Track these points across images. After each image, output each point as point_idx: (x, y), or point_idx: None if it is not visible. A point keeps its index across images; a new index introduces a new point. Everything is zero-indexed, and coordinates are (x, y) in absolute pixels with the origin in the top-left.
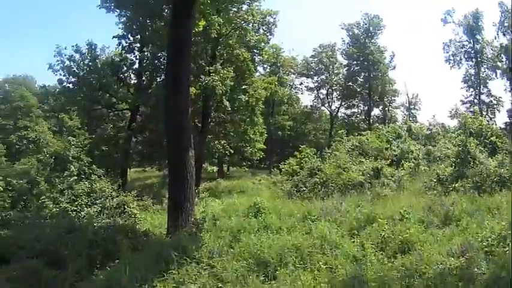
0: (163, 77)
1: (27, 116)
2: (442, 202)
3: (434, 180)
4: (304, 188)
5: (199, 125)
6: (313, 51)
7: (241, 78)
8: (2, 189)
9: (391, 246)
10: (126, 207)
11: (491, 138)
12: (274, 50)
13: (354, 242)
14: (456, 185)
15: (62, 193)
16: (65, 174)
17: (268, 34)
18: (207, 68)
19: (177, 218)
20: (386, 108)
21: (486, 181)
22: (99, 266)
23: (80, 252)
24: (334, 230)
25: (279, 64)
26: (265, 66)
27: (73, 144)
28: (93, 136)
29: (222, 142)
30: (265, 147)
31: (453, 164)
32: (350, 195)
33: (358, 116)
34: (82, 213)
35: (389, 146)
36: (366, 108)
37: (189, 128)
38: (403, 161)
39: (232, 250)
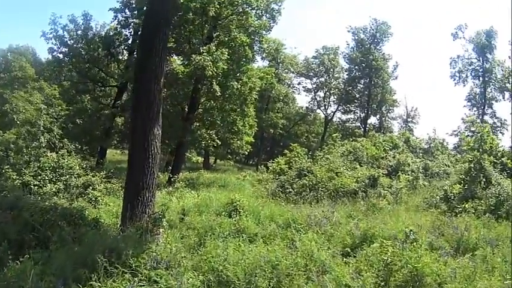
0: None
1: (23, 86)
2: (454, 225)
3: (438, 197)
4: (290, 190)
5: (186, 109)
6: (315, 52)
7: (236, 64)
8: None
9: (398, 277)
10: (91, 188)
11: (502, 159)
12: (276, 44)
13: (348, 265)
14: (466, 205)
15: (28, 165)
16: (33, 144)
17: (271, 21)
18: (201, 48)
19: (132, 209)
20: (383, 118)
21: (503, 205)
22: (24, 256)
23: (8, 236)
24: (323, 246)
25: (279, 60)
26: (264, 57)
27: (45, 114)
28: (70, 108)
29: (209, 131)
30: (253, 140)
31: (462, 182)
32: (341, 203)
33: (353, 122)
34: (44, 188)
35: (385, 155)
36: (363, 115)
37: (157, 104)
38: (399, 173)
39: (189, 259)
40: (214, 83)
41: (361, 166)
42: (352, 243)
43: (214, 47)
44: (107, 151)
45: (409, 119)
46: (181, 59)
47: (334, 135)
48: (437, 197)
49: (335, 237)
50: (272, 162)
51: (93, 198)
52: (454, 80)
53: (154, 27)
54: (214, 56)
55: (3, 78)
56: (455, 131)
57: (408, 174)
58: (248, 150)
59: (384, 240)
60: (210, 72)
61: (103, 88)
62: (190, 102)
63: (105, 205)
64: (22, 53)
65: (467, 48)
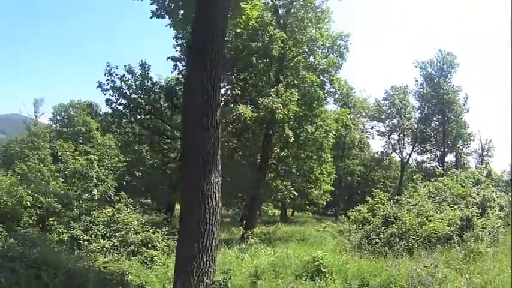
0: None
1: (88, 141)
2: None
3: None
4: (377, 240)
5: (258, 160)
6: (385, 93)
7: (308, 107)
8: (29, 205)
9: None
10: (150, 245)
11: None
12: (346, 88)
13: None
14: None
15: (79, 218)
16: (84, 197)
17: (339, 59)
18: (268, 90)
19: (186, 278)
20: (460, 154)
21: None
22: None
23: None
24: None
25: (350, 104)
26: (336, 99)
27: (98, 164)
28: (128, 160)
29: (284, 182)
30: (333, 189)
31: None
32: (437, 251)
33: (431, 162)
34: (93, 244)
35: (469, 192)
36: (440, 153)
37: (214, 143)
38: (488, 210)
39: None
40: (287, 127)
41: (451, 207)
42: None
43: (282, 89)
44: (175, 206)
45: (484, 153)
46: (249, 105)
47: (415, 176)
48: None
49: None
50: (352, 211)
51: (149, 258)
52: None
53: (203, 43)
54: (284, 97)
55: (66, 133)
56: None
57: (495, 210)
58: (327, 200)
59: None
60: (281, 116)
61: (169, 140)
62: (262, 151)
63: (162, 266)
64: (84, 108)
65: None
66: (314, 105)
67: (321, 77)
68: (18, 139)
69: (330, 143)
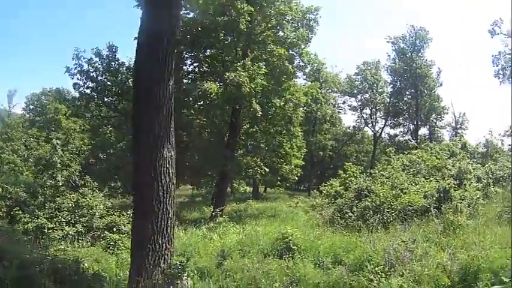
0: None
1: (60, 128)
2: None
3: None
4: (350, 214)
5: (226, 136)
6: (357, 68)
7: (276, 80)
8: None
9: None
10: (115, 229)
11: None
12: (317, 63)
13: None
14: None
15: (44, 206)
16: (48, 184)
17: (309, 32)
18: (235, 65)
19: (141, 262)
20: (433, 127)
21: None
22: None
23: None
24: None
25: (321, 80)
26: (306, 74)
27: (61, 149)
28: (93, 142)
29: (254, 158)
30: (303, 163)
31: None
32: (414, 224)
33: (404, 135)
34: (58, 232)
35: (445, 164)
36: (413, 126)
37: (168, 110)
38: (465, 182)
39: None
40: (254, 102)
41: (426, 179)
42: (453, 284)
43: (249, 63)
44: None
45: (458, 126)
46: (217, 81)
47: (388, 149)
48: None
49: (428, 277)
50: (325, 185)
51: (112, 243)
52: (499, 78)
53: (156, 12)
54: (251, 71)
55: (38, 122)
56: (507, 131)
57: (472, 182)
58: (298, 174)
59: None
60: (248, 89)
61: None
62: (230, 127)
63: (125, 251)
64: (55, 96)
65: (507, 43)
66: (283, 79)
67: (290, 51)
68: None
69: (299, 116)
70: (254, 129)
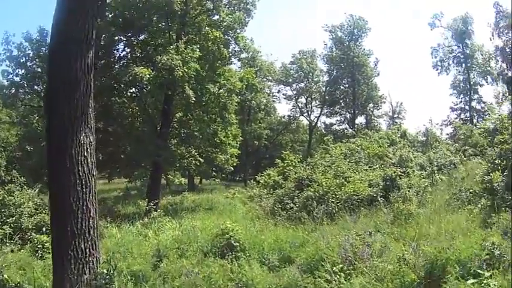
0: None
1: None
2: None
3: (472, 191)
4: (291, 205)
5: (158, 126)
6: (292, 57)
7: (210, 65)
8: None
9: None
10: (44, 229)
11: None
12: (252, 51)
13: None
14: None
15: None
16: None
17: (245, 16)
18: (167, 48)
19: (63, 272)
20: (370, 116)
21: None
22: None
23: None
24: None
25: (256, 68)
26: (241, 60)
27: None
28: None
29: (188, 148)
30: (239, 152)
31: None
32: (360, 214)
33: (340, 124)
34: None
35: (385, 152)
36: (349, 115)
37: (85, 89)
38: (408, 170)
39: None
40: (187, 87)
41: (370, 167)
42: (420, 279)
43: (183, 46)
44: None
45: (395, 115)
46: (149, 67)
47: (326, 138)
48: (468, 191)
49: (391, 274)
50: (262, 175)
51: (40, 245)
52: (437, 69)
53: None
54: (184, 55)
55: None
56: (445, 120)
57: (414, 170)
58: (234, 164)
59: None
60: (180, 73)
61: None
62: (162, 115)
63: None
64: None
65: (446, 36)
66: (217, 64)
67: (226, 35)
68: None
69: (234, 103)
70: (187, 117)
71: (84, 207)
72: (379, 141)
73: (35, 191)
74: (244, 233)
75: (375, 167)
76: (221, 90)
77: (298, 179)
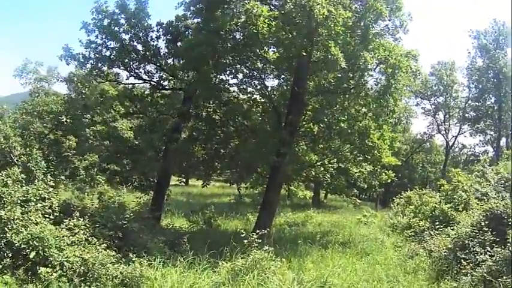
0: None
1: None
2: None
3: None
4: (486, 257)
5: (283, 110)
6: (431, 68)
7: (363, 33)
8: None
9: None
10: None
11: None
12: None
13: None
14: None
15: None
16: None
17: None
18: None
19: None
20: None
21: None
22: None
23: None
24: None
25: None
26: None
27: (15, 134)
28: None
29: (325, 151)
30: (399, 163)
31: None
32: None
33: (485, 145)
34: None
35: None
36: (494, 135)
37: None
38: None
39: None
40: (333, 45)
41: None
42: None
43: None
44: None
45: None
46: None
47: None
48: None
49: None
50: (400, 198)
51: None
52: None
53: None
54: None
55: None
56: None
57: None
58: (390, 180)
59: None
60: (325, 12)
61: (165, 92)
62: (291, 98)
63: None
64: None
65: None
66: (372, 30)
67: None
68: None
69: (400, 86)
70: (326, 103)
71: None
72: None
73: None
74: None
75: None
76: (381, 66)
77: (489, 210)
